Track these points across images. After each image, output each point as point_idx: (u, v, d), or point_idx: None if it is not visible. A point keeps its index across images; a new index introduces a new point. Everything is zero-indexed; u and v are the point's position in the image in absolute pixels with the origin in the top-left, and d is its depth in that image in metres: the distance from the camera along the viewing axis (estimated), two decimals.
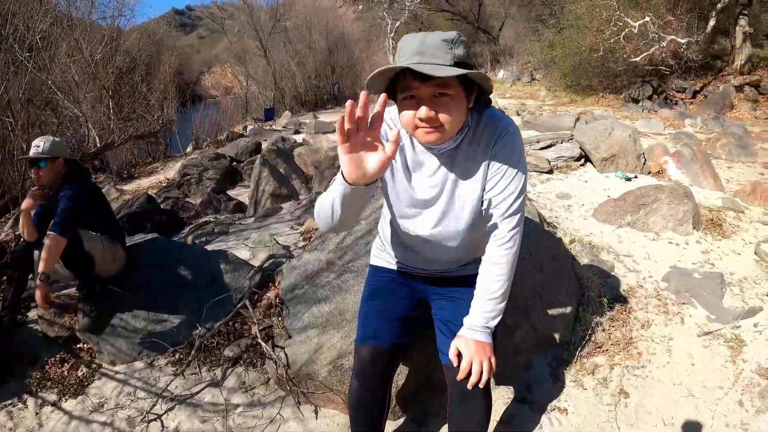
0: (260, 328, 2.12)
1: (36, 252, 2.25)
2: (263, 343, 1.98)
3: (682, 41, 10.31)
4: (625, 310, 2.28)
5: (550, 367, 1.93)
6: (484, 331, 1.21)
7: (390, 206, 1.33)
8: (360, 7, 24.69)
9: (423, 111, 1.05)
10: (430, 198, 1.24)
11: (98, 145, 7.32)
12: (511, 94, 15.24)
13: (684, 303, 2.36)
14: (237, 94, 14.71)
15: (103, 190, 6.82)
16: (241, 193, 5.68)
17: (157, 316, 2.37)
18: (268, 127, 10.59)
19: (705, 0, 11.65)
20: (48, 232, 2.12)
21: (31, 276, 2.56)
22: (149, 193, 5.95)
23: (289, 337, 1.94)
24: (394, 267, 1.50)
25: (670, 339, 2.13)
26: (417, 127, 1.08)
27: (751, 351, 2.05)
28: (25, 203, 2.33)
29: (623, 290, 2.42)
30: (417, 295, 1.47)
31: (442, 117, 1.06)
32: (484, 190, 1.20)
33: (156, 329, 2.31)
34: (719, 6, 11.04)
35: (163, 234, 4.16)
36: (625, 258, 2.69)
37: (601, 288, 2.30)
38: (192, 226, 4.18)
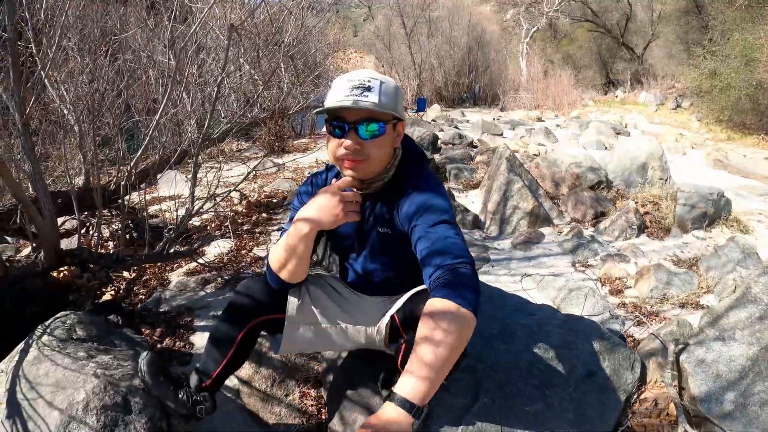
0: None
1: (294, 301, 1.32)
2: None
3: None
4: None
5: None
6: None
7: None
8: (488, 8, 24.13)
9: None
10: None
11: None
12: (660, 121, 14.23)
13: None
14: None
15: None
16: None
17: None
18: (421, 118, 10.63)
19: None
20: (444, 300, 0.98)
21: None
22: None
23: None
24: None
25: None
26: None
27: None
28: (320, 211, 1.17)
29: None
30: None
31: None
32: None
33: None
34: None
35: None
36: None
37: None
38: None
